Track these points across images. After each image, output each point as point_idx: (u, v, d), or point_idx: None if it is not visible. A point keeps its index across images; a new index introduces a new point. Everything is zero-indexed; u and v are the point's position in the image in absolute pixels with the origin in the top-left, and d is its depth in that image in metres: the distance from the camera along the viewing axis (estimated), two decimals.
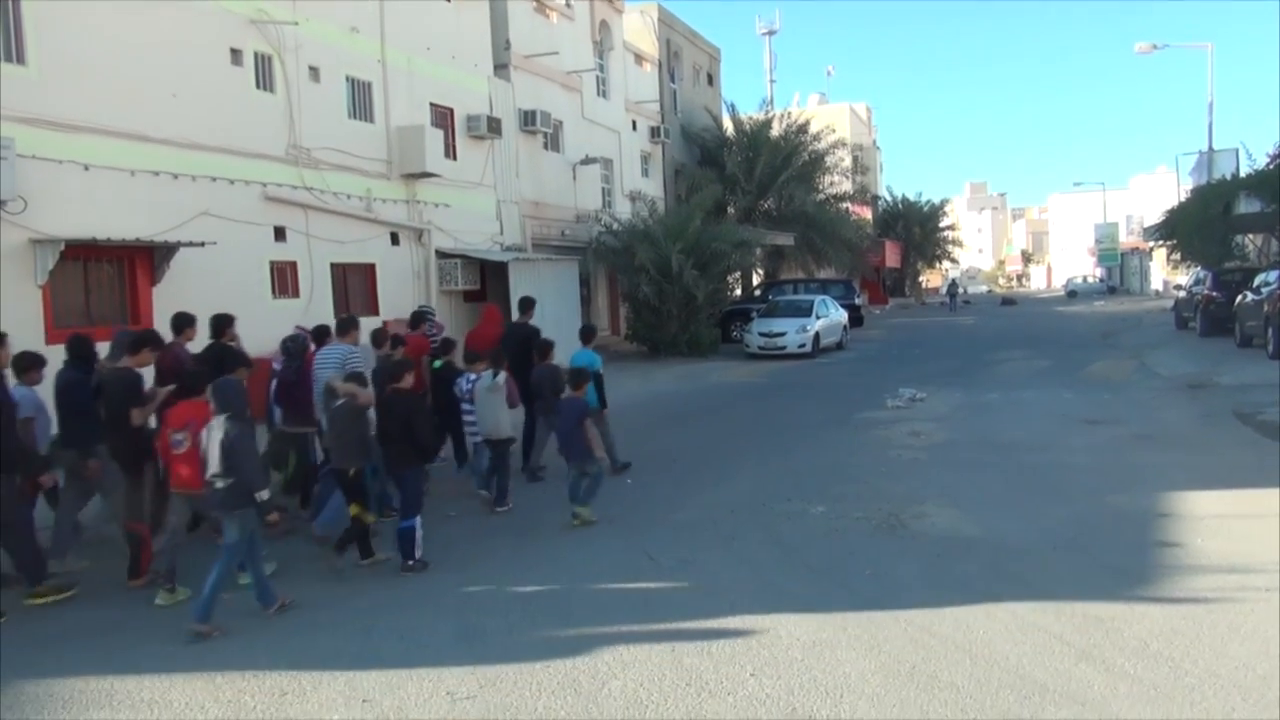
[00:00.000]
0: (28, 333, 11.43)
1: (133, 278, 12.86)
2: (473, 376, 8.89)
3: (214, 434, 5.85)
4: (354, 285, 17.09)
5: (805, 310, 24.09)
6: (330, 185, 16.21)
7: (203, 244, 13.22)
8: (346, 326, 9.25)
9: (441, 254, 18.98)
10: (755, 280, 35.59)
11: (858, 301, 33.03)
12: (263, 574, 6.13)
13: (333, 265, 16.39)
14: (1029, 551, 6.77)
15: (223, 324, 8.66)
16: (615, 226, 24.41)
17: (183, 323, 8.45)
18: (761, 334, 23.06)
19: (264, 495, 5.86)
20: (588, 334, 10.92)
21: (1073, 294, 60.60)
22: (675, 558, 6.88)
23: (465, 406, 9.01)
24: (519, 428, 9.60)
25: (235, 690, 4.78)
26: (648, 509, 8.45)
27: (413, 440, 6.95)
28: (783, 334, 22.79)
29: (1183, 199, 37.54)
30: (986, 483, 9.03)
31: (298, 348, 8.62)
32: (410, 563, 6.81)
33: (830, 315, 24.95)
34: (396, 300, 17.48)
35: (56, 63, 11.76)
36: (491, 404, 8.64)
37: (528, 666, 4.94)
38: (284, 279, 15.42)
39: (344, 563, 6.89)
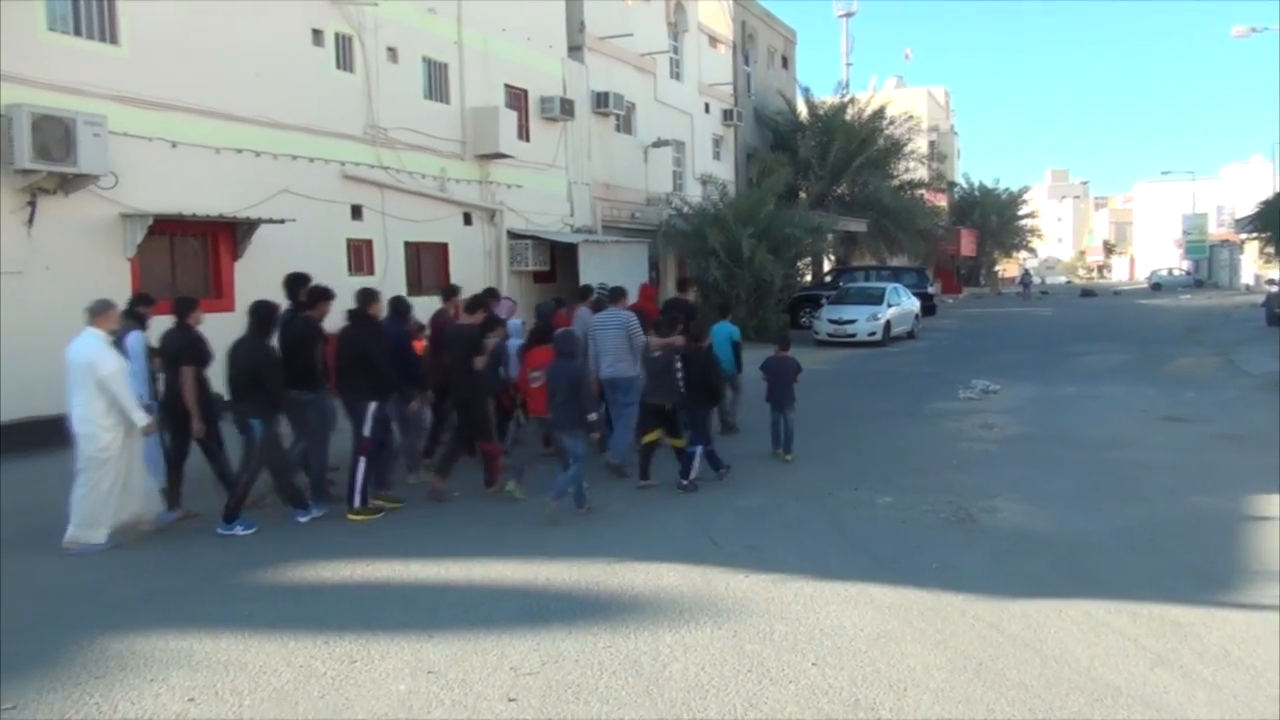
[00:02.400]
0: (117, 303, 11.87)
1: (216, 252, 13.25)
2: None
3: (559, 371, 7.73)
4: (427, 264, 17.37)
5: (876, 298, 23.74)
6: (406, 165, 16.46)
7: (283, 221, 13.56)
8: (617, 295, 10.32)
9: (513, 235, 19.16)
10: (826, 266, 35.17)
11: (930, 290, 32.47)
12: (579, 485, 7.76)
13: (406, 244, 16.67)
14: (1103, 550, 6.60)
15: (489, 296, 9.86)
16: (685, 210, 24.34)
17: (451, 292, 10.39)
18: (831, 321, 22.80)
19: (593, 418, 7.90)
20: (724, 309, 12.51)
21: (1157, 286, 58.58)
22: (738, 543, 6.86)
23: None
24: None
25: (307, 655, 4.91)
26: (711, 492, 8.44)
27: (708, 386, 8.72)
28: (853, 321, 22.51)
29: (1279, 189, 35.97)
30: (1060, 479, 8.81)
31: (549, 311, 10.23)
32: (685, 482, 8.42)
33: (902, 303, 24.56)
34: (468, 280, 17.63)
35: (146, 43, 12.14)
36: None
37: (589, 645, 4.99)
38: (360, 256, 15.73)
39: (653, 482, 8.58)
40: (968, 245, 53.72)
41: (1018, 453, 10.03)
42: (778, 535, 7.06)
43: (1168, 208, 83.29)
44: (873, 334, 22.39)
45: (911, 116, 36.48)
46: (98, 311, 7.10)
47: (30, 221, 10.88)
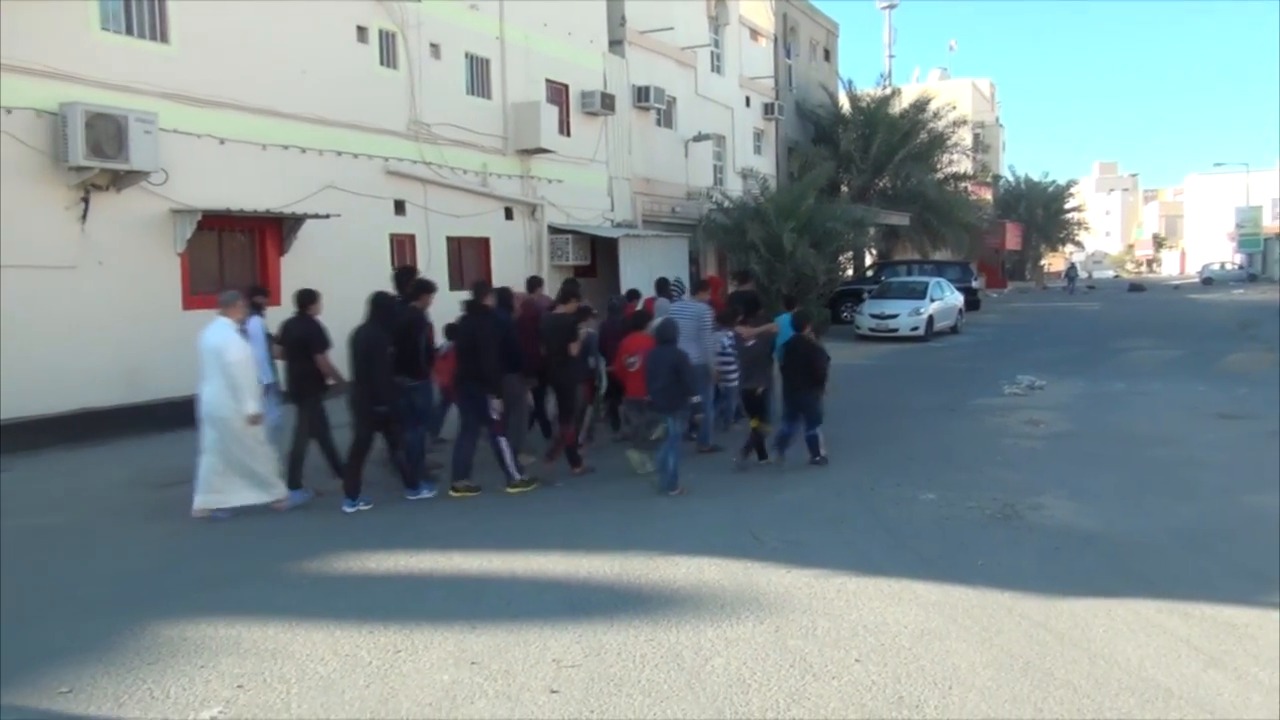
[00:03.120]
0: (167, 298, 12.16)
1: (263, 247, 13.46)
2: (730, 334, 10.14)
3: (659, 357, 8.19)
4: (469, 259, 17.48)
5: (919, 292, 23.49)
6: (448, 160, 16.58)
7: (328, 216, 13.73)
8: (698, 287, 11.15)
9: (553, 229, 19.22)
10: (868, 261, 34.86)
11: (974, 285, 32.02)
12: (678, 461, 8.20)
13: (449, 238, 16.80)
14: (1154, 549, 6.47)
15: (574, 287, 10.18)
16: (726, 204, 24.25)
17: (535, 283, 10.97)
18: (873, 315, 22.61)
19: (696, 399, 8.35)
20: (789, 301, 12.97)
21: (1209, 281, 57.29)
22: (779, 538, 6.83)
23: (720, 359, 10.14)
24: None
25: (353, 645, 4.98)
26: (752, 486, 8.42)
27: (813, 373, 8.96)
28: (895, 316, 22.30)
29: None
30: (1108, 476, 8.66)
31: (620, 304, 10.99)
32: (817, 458, 9.05)
33: (945, 298, 24.27)
34: (509, 274, 17.77)
35: (196, 41, 12.35)
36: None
37: (631, 638, 5.00)
38: (403, 251, 15.88)
39: (749, 462, 9.05)
40: (1013, 239, 52.96)
41: (1064, 449, 9.88)
42: (819, 530, 7.02)
43: (1220, 200, 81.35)
44: (915, 329, 22.16)
45: (955, 108, 36.02)
46: (228, 302, 7.72)
47: (84, 218, 11.12)
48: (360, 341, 7.76)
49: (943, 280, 25.58)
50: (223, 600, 5.71)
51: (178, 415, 11.65)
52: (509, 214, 18.35)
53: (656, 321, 8.79)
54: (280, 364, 8.51)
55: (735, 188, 26.19)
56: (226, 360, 7.39)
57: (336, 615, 5.40)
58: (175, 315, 12.19)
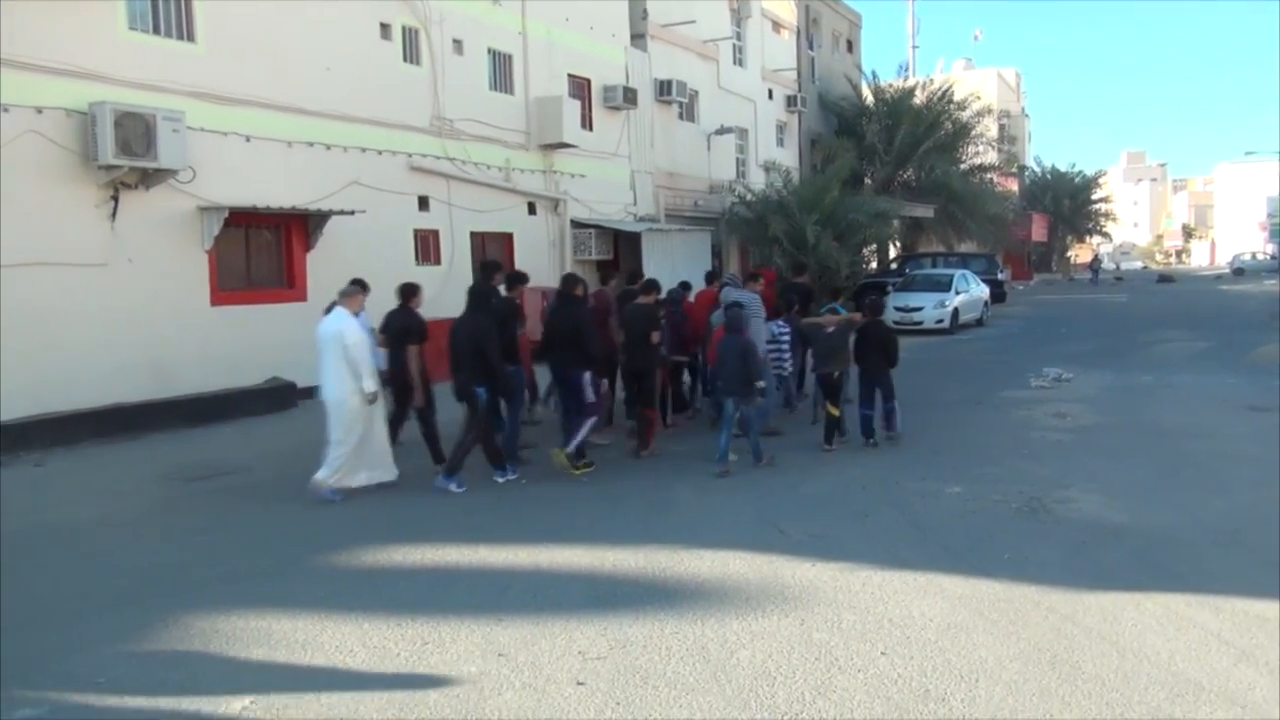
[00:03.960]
0: (195, 294, 12.30)
1: (289, 244, 13.57)
2: (782, 323, 10.91)
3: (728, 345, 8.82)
4: (492, 254, 17.49)
5: (944, 285, 23.32)
6: (471, 156, 16.64)
7: (353, 212, 13.82)
8: (749, 279, 11.54)
9: (576, 224, 19.25)
10: (892, 253, 34.66)
11: (1000, 276, 31.77)
12: (758, 438, 8.89)
13: (472, 234, 16.88)
14: (1183, 543, 6.41)
15: (636, 278, 11.05)
16: (749, 197, 24.18)
17: (608, 276, 11.88)
18: (897, 308, 22.46)
19: (761, 384, 8.91)
20: (835, 293, 13.60)
21: (1239, 272, 56.43)
22: (805, 531, 6.82)
23: (770, 347, 10.61)
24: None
25: (381, 637, 5.02)
26: (777, 480, 8.41)
27: (888, 356, 9.69)
28: (919, 309, 22.16)
29: None
30: (1137, 469, 8.58)
31: (679, 295, 11.50)
32: (892, 433, 9.78)
33: (970, 290, 24.09)
34: (533, 269, 17.78)
35: (222, 40, 12.46)
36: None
37: (657, 631, 5.01)
38: (427, 246, 15.97)
39: (836, 445, 9.55)
40: (1039, 230, 52.50)
41: (1092, 442, 9.79)
42: (844, 524, 7.01)
43: (1252, 190, 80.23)
44: (940, 321, 22.02)
45: (980, 99, 35.70)
46: (348, 294, 8.28)
47: (113, 215, 11.27)
48: (466, 331, 8.25)
49: (968, 273, 25.39)
50: (253, 593, 5.78)
51: (206, 410, 11.85)
52: (532, 209, 18.40)
53: (728, 311, 9.23)
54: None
55: (758, 181, 26.11)
56: (347, 343, 7.89)
57: (364, 608, 5.46)
58: (203, 312, 12.34)
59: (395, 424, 9.04)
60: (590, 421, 8.84)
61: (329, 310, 8.39)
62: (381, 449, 8.37)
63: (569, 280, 9.24)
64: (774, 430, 10.12)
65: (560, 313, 8.99)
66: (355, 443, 8.04)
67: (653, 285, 10.05)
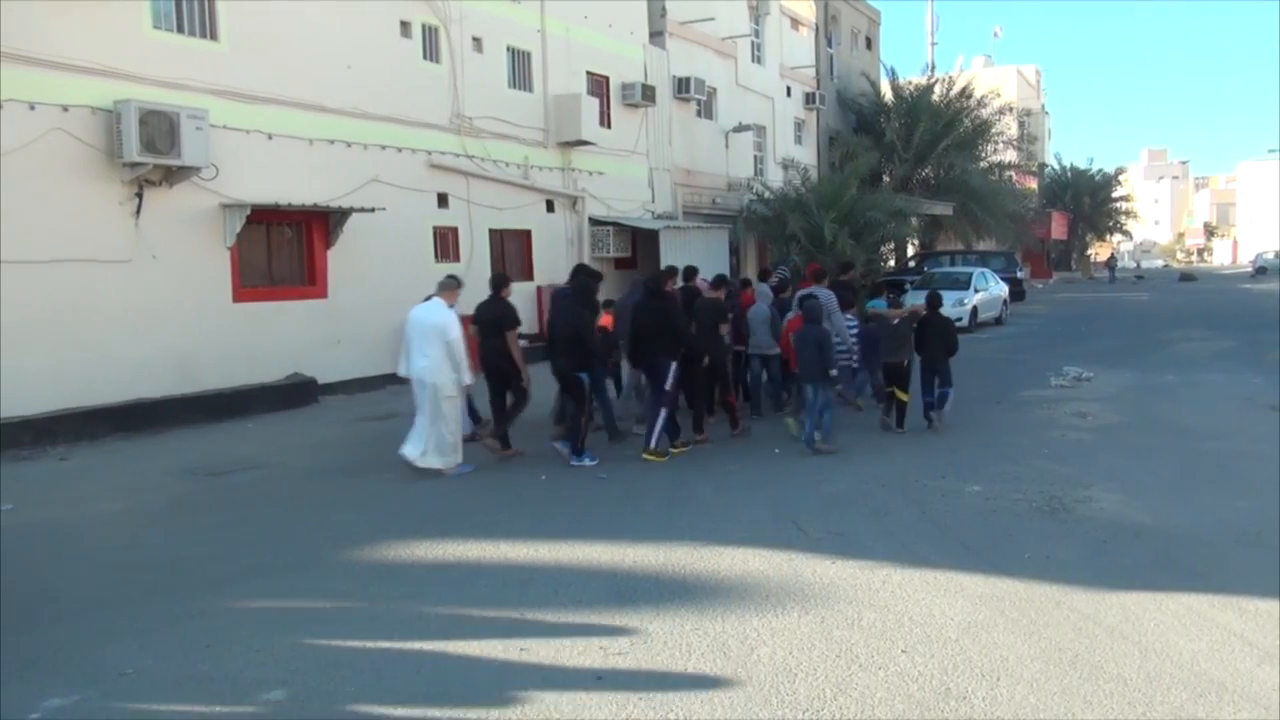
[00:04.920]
0: (217, 291, 12.41)
1: (310, 241, 13.67)
2: (851, 317, 11.40)
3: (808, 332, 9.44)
4: (511, 251, 17.61)
5: (962, 283, 23.21)
6: (490, 153, 16.71)
7: (373, 210, 13.90)
8: (819, 276, 11.91)
9: (594, 221, 19.29)
10: (910, 251, 34.53)
11: (1019, 275, 31.59)
12: (830, 423, 9.48)
13: (491, 231, 16.94)
14: (1206, 543, 6.37)
15: (691, 272, 11.74)
16: (767, 195, 24.15)
17: (692, 272, 11.82)
18: None
19: (834, 373, 9.45)
20: (877, 289, 13.54)
21: (1261, 271, 55.81)
22: (824, 529, 6.83)
23: (837, 340, 10.89)
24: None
25: (404, 631, 5.06)
26: (796, 478, 8.42)
27: (948, 345, 10.38)
28: None
29: None
30: (1159, 469, 8.53)
31: (734, 290, 11.92)
32: (942, 411, 10.41)
33: (989, 289, 23.97)
34: (550, 266, 17.92)
35: (244, 39, 12.56)
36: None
37: (677, 627, 5.03)
38: (446, 244, 16.04)
39: (907, 429, 10.25)
40: (1059, 229, 52.19)
41: (1113, 442, 9.74)
42: (864, 522, 7.00)
43: (1275, 187, 79.42)
44: (958, 320, 21.85)
45: (999, 96, 35.49)
46: (447, 288, 8.85)
47: (137, 212, 11.38)
48: (566, 322, 9.01)
49: (987, 271, 25.27)
50: (278, 586, 5.85)
51: (227, 406, 11.97)
52: (550, 206, 18.45)
53: (806, 303, 9.88)
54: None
55: (776, 178, 26.07)
56: (449, 337, 8.47)
57: (388, 602, 5.51)
58: (225, 308, 12.45)
59: (498, 408, 9.46)
60: (664, 412, 9.26)
61: (426, 299, 8.95)
62: (451, 439, 8.70)
63: (658, 278, 9.93)
64: (854, 405, 11.26)
65: (647, 307, 9.51)
66: (436, 428, 8.53)
67: (722, 281, 11.03)
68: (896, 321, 10.65)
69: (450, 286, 8.83)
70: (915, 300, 12.42)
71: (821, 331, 9.56)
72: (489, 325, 9.32)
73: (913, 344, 10.45)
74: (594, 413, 9.60)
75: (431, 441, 8.56)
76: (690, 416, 9.96)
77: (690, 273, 11.65)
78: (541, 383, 9.68)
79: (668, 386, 9.26)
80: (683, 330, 9.49)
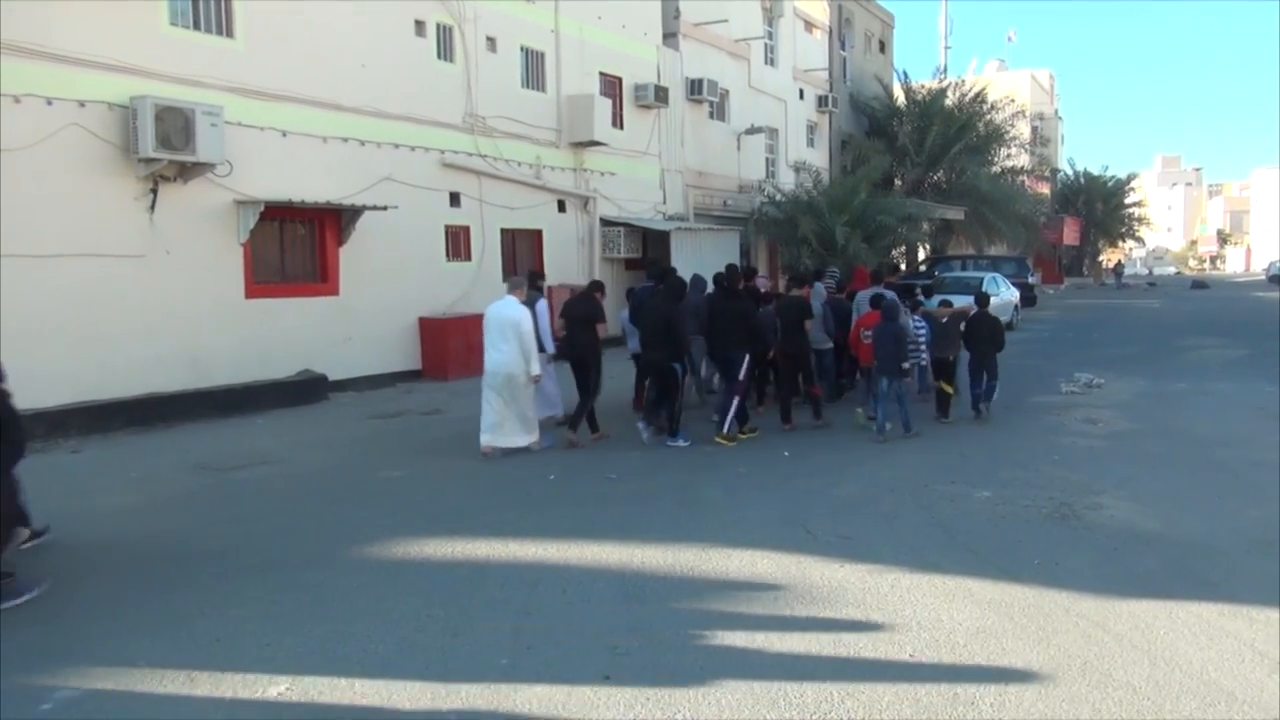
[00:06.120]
0: (230, 287, 12.46)
1: (322, 238, 13.71)
2: (919, 319, 11.96)
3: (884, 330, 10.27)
4: (522, 250, 17.63)
5: (974, 288, 23.09)
6: (503, 153, 16.73)
7: (385, 208, 13.94)
8: (877, 277, 12.94)
9: (606, 222, 19.30)
10: (921, 255, 34.44)
11: (1031, 280, 31.47)
12: (908, 411, 10.27)
13: (502, 230, 16.97)
14: (1218, 552, 6.34)
15: (751, 273, 12.60)
16: (778, 197, 24.13)
17: (752, 273, 12.79)
18: None
19: (907, 366, 10.39)
20: (926, 290, 13.99)
21: (1276, 279, 55.55)
22: (833, 533, 6.82)
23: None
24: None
25: (411, 628, 5.08)
26: (805, 481, 8.41)
27: (996, 342, 11.25)
28: None
29: None
30: (1171, 477, 8.50)
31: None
32: (987, 404, 11.29)
33: (1000, 294, 23.83)
34: (561, 266, 17.94)
35: (260, 36, 12.61)
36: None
37: (685, 628, 5.03)
38: (458, 243, 16.07)
39: (952, 419, 11.06)
40: (1071, 234, 51.97)
41: (1124, 449, 9.70)
42: (873, 526, 7.00)
43: None
44: None
45: (1013, 101, 35.38)
46: (517, 285, 9.76)
47: (152, 208, 11.44)
48: (659, 317, 9.84)
49: (998, 276, 25.15)
50: (287, 581, 5.87)
51: (238, 401, 12.02)
52: (562, 206, 18.47)
53: (886, 302, 10.66)
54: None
55: (788, 181, 26.05)
56: (523, 330, 9.27)
57: (395, 599, 5.53)
58: (238, 304, 12.50)
59: (583, 396, 10.14)
60: (736, 400, 10.07)
61: (504, 297, 9.74)
62: (531, 417, 9.61)
63: (731, 272, 10.91)
64: (950, 394, 11.57)
65: (724, 305, 10.32)
66: (516, 410, 9.39)
67: (805, 279, 11.65)
68: (945, 320, 11.48)
69: (519, 284, 9.76)
70: (928, 305, 12.76)
71: (900, 327, 10.32)
72: (579, 321, 10.16)
73: (959, 340, 11.25)
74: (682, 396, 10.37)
75: (512, 424, 9.42)
76: (778, 407, 11.05)
77: (750, 274, 12.28)
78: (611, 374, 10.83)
79: (740, 377, 10.08)
80: (758, 327, 10.34)
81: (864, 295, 12.18)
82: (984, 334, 11.27)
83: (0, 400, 5.82)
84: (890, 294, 11.60)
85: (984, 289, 22.71)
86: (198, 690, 4.41)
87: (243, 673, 4.56)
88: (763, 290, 12.56)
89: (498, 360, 9.33)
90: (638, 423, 10.25)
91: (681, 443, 9.84)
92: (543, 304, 10.55)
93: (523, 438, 9.51)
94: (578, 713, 4.16)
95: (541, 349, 9.84)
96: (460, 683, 4.45)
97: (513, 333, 9.25)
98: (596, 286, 10.68)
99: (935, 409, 11.26)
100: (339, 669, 4.59)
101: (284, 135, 12.96)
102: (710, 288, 11.36)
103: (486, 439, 9.42)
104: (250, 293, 12.66)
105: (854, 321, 11.88)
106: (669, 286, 10.23)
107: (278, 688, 4.39)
